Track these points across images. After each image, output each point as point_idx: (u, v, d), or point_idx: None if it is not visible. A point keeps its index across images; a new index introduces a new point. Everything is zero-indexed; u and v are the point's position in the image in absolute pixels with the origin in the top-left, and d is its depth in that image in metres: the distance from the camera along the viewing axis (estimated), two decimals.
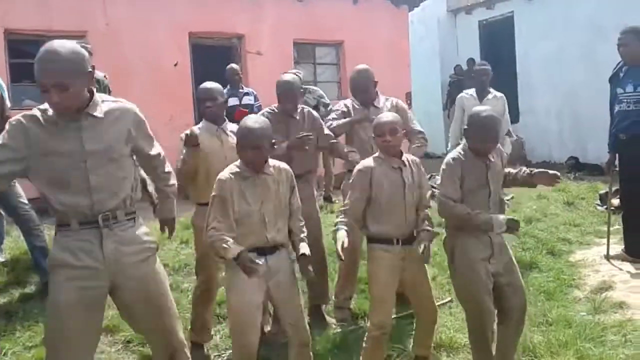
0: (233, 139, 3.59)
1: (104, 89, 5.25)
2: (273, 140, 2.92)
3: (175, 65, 8.85)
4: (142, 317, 2.58)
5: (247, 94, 7.40)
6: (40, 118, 2.36)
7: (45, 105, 2.38)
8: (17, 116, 2.40)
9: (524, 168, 3.33)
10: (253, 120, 2.91)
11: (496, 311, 3.14)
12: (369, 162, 3.21)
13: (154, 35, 8.58)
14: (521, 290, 3.19)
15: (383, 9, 10.65)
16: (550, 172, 3.16)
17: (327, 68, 10.68)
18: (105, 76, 5.49)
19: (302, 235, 3.02)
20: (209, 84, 3.79)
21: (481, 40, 12.85)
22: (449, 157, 3.10)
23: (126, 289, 2.51)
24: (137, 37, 8.47)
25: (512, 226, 2.97)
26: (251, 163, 2.84)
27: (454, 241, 3.15)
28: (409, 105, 10.58)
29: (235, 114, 6.11)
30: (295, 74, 7.44)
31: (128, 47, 8.34)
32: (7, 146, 2.33)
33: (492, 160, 3.10)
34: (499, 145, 3.21)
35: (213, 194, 2.84)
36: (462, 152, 3.08)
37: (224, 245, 2.72)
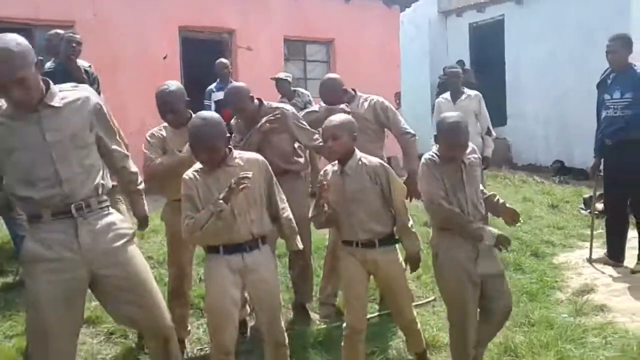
0: None
1: (93, 80, 5.21)
2: (227, 135, 2.82)
3: (165, 58, 8.78)
4: (127, 303, 2.53)
5: None
6: None
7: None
8: None
9: (498, 196, 3.30)
10: (201, 120, 2.81)
11: (479, 310, 3.16)
12: (328, 167, 3.20)
13: (143, 27, 8.51)
14: (507, 294, 3.21)
15: (375, 9, 10.66)
16: (516, 211, 3.20)
17: (318, 65, 10.66)
18: (90, 66, 5.45)
19: (292, 227, 2.99)
20: (166, 89, 3.53)
21: (471, 42, 12.91)
22: (425, 158, 3.09)
23: (107, 277, 2.47)
24: (126, 29, 8.39)
25: (501, 242, 2.98)
26: (206, 164, 2.80)
27: (438, 240, 3.15)
28: (398, 105, 10.59)
29: (224, 116, 6.08)
30: (285, 77, 7.43)
31: (116, 39, 8.26)
32: None
33: (466, 161, 3.06)
34: (474, 148, 3.19)
35: (182, 193, 2.82)
36: (437, 155, 3.06)
37: (203, 214, 2.68)
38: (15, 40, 2.24)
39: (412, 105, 12.38)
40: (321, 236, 5.54)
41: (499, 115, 9.60)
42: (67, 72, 4.66)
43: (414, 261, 3.20)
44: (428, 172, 3.05)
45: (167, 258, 3.82)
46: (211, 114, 2.99)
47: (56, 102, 2.38)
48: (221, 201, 2.63)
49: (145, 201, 3.04)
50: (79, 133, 2.42)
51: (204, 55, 9.01)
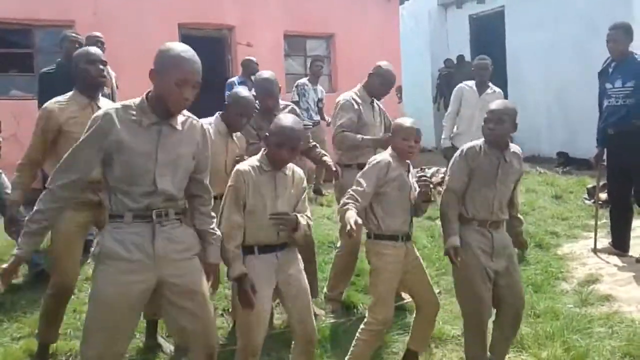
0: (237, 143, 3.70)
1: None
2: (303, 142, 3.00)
3: None
4: (187, 312, 2.55)
5: None
6: (124, 113, 2.42)
7: (127, 102, 2.47)
8: (104, 108, 2.49)
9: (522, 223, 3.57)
10: (294, 121, 2.91)
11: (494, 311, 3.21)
12: (385, 156, 3.20)
13: (143, 25, 8.51)
14: (520, 294, 3.22)
15: (374, 2, 10.64)
16: (526, 242, 3.42)
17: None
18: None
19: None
20: (249, 97, 3.73)
21: (471, 34, 12.88)
22: (468, 145, 3.21)
23: (173, 285, 2.51)
24: (125, 27, 8.39)
25: (448, 254, 3.08)
26: (281, 162, 2.86)
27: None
28: (399, 98, 10.58)
29: None
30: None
31: (116, 38, 8.22)
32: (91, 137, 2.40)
33: (507, 158, 3.15)
34: (519, 153, 3.29)
35: (230, 184, 2.84)
36: (480, 145, 3.17)
37: (230, 257, 2.76)
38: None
39: (413, 98, 12.37)
40: (324, 233, 5.56)
41: None
42: (66, 76, 4.62)
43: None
44: (459, 161, 3.18)
45: None
46: (298, 118, 3.11)
47: (178, 125, 2.50)
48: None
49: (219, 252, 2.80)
50: (184, 156, 2.52)
51: (204, 52, 8.99)
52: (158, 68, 2.44)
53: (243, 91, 3.83)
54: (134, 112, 2.43)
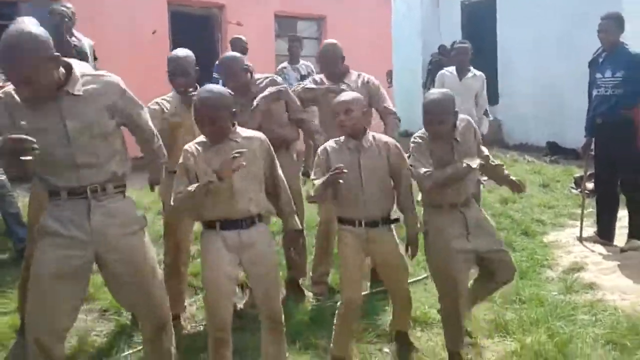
0: None
1: (82, 57, 5.13)
2: (234, 109, 2.80)
3: (154, 33, 8.66)
4: (128, 289, 2.57)
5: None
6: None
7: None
8: None
9: (504, 167, 3.45)
10: (208, 92, 2.79)
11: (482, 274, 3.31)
12: (329, 143, 3.18)
13: (132, 2, 8.38)
14: (509, 264, 3.25)
15: None
16: (521, 183, 3.39)
17: (308, 42, 10.54)
18: (88, 45, 5.39)
19: (292, 207, 3.01)
20: (181, 54, 3.63)
21: (463, 21, 12.84)
22: (415, 136, 3.15)
23: (112, 261, 2.50)
24: (114, 3, 8.25)
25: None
26: (209, 136, 2.78)
27: (428, 219, 3.20)
28: (390, 83, 10.56)
29: None
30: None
31: (105, 13, 8.13)
32: None
33: (459, 139, 3.11)
34: (470, 123, 3.23)
35: (179, 162, 2.80)
36: (426, 133, 3.13)
37: (189, 189, 2.67)
38: (27, 34, 2.22)
39: (404, 83, 12.36)
40: (312, 215, 5.55)
41: (490, 95, 9.54)
42: (58, 50, 4.54)
43: (414, 244, 3.21)
44: (417, 148, 3.11)
45: (163, 233, 3.81)
46: (218, 86, 2.99)
47: (77, 90, 2.39)
48: (214, 175, 2.61)
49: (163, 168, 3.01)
50: (99, 120, 2.43)
51: (193, 30, 8.90)
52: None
53: (176, 51, 3.73)
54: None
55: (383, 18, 10.84)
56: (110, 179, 2.49)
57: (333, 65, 4.27)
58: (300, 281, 4.29)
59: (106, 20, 8.11)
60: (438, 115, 3.04)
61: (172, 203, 2.78)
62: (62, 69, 2.38)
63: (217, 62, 7.34)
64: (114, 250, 2.49)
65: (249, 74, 3.93)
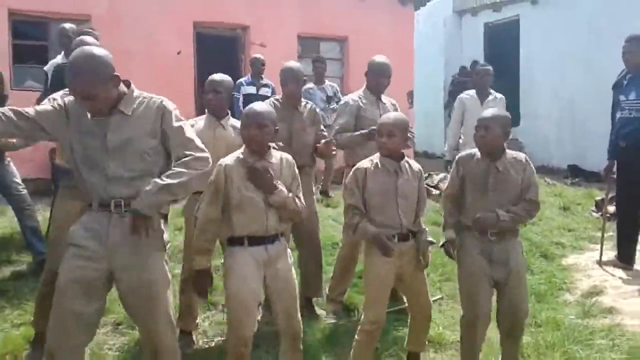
0: (230, 133, 3.63)
1: None
2: (276, 127, 2.95)
3: (179, 54, 8.82)
4: (132, 309, 2.60)
5: (265, 85, 7.48)
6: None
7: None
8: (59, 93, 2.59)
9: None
10: (259, 104, 3.02)
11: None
12: (364, 163, 3.20)
13: (158, 22, 8.55)
14: (517, 307, 3.17)
15: (389, 7, 10.61)
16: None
17: (331, 63, 10.59)
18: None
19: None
20: (217, 76, 3.79)
21: (486, 42, 12.84)
22: (461, 154, 3.33)
23: (121, 278, 2.51)
24: (140, 24, 8.44)
25: (446, 248, 3.27)
26: (254, 142, 2.86)
27: (461, 236, 3.26)
28: (410, 104, 10.56)
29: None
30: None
31: (130, 34, 8.31)
32: (47, 111, 2.52)
33: (499, 167, 3.13)
34: (522, 157, 3.23)
35: (210, 179, 2.82)
36: (473, 153, 3.23)
37: (197, 249, 2.86)
38: (91, 56, 2.43)
39: (425, 104, 12.35)
40: (329, 234, 5.56)
41: (512, 116, 9.51)
42: None
43: (426, 256, 3.22)
44: (454, 167, 3.31)
45: (184, 250, 3.82)
46: (267, 104, 3.19)
47: (128, 110, 2.51)
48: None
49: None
50: (139, 139, 2.51)
51: (217, 51, 9.04)
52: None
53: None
54: None
55: (405, 39, 10.86)
56: (134, 196, 2.47)
57: (387, 79, 4.42)
58: (314, 300, 4.28)
59: (131, 39, 8.28)
60: (486, 122, 3.13)
61: (196, 220, 2.86)
62: (123, 87, 2.55)
63: (237, 82, 7.46)
64: (127, 269, 2.50)
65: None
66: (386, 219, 3.10)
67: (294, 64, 4.25)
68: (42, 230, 4.62)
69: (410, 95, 10.63)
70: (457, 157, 3.34)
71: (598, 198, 7.40)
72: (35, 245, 4.59)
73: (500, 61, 12.02)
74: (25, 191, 4.64)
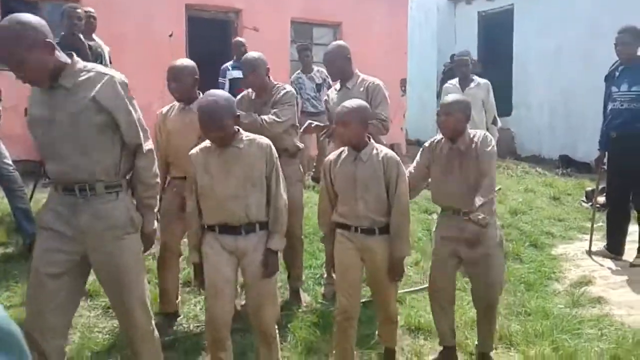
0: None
1: (97, 57, 5.19)
2: (237, 114, 2.82)
3: (170, 36, 8.72)
4: (107, 292, 2.63)
5: None
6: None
7: None
8: None
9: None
10: (212, 98, 2.76)
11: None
12: (333, 154, 3.19)
13: (150, 5, 8.45)
14: (487, 286, 3.24)
15: None
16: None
17: (324, 49, 10.57)
18: (97, 47, 5.46)
19: (277, 222, 2.89)
20: (177, 63, 3.67)
21: (479, 31, 12.80)
22: (426, 142, 3.42)
23: (94, 262, 2.51)
24: (132, 6, 8.33)
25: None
26: (216, 141, 2.80)
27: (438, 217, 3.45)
28: (403, 91, 10.54)
29: (237, 91, 6.11)
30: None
31: (122, 16, 8.20)
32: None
33: (462, 147, 3.18)
34: (479, 135, 3.21)
35: (187, 170, 2.88)
36: (438, 138, 3.32)
37: (193, 244, 2.89)
38: (16, 20, 2.25)
39: (418, 92, 12.34)
40: (317, 219, 5.55)
41: (504, 105, 9.47)
42: (71, 49, 4.54)
43: (395, 267, 3.05)
44: (421, 151, 3.39)
45: (160, 222, 3.79)
46: (221, 92, 2.94)
47: (68, 83, 2.38)
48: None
49: (154, 217, 2.73)
50: (84, 113, 2.38)
51: (209, 34, 8.95)
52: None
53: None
54: None
55: (399, 26, 10.82)
56: (100, 179, 2.44)
57: (331, 65, 4.26)
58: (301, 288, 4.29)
59: (123, 24, 8.18)
60: (446, 107, 3.21)
61: (187, 215, 2.89)
62: (65, 61, 2.40)
63: (222, 67, 7.38)
64: (98, 252, 2.48)
65: (268, 76, 4.01)
66: (349, 210, 3.05)
67: (251, 54, 4.10)
68: (32, 212, 4.58)
69: (403, 83, 10.61)
70: (424, 145, 3.40)
71: (588, 188, 7.44)
72: (25, 227, 4.54)
73: (493, 50, 12.05)
74: (16, 172, 4.59)
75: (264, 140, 2.90)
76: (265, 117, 3.79)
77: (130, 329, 2.62)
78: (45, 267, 2.42)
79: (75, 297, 2.60)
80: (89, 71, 2.44)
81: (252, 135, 2.89)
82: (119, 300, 2.58)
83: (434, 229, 3.44)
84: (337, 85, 4.36)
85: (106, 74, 2.46)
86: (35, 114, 2.41)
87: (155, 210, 2.72)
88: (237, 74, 7.04)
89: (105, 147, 2.45)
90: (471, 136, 3.20)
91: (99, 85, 2.41)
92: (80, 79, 2.40)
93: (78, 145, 2.39)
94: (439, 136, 3.34)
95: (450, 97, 3.31)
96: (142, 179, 2.59)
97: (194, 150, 2.86)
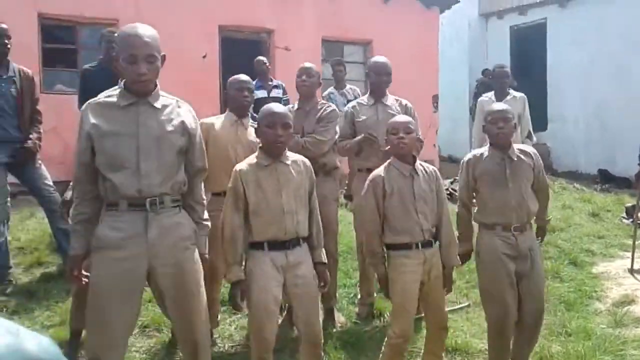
0: (251, 133, 3.63)
1: None
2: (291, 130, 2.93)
3: (204, 57, 8.89)
4: (170, 304, 2.60)
5: (276, 86, 7.37)
6: (103, 102, 2.52)
7: (108, 92, 2.55)
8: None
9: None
10: (276, 105, 3.00)
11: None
12: (379, 171, 3.15)
13: (184, 26, 8.62)
14: (539, 298, 3.18)
15: (413, 10, 10.57)
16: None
17: (355, 67, 10.60)
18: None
19: (318, 242, 2.98)
20: (245, 77, 3.85)
21: (512, 46, 12.70)
22: (466, 157, 3.34)
23: (160, 274, 2.53)
24: (166, 27, 8.43)
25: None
26: (274, 143, 2.82)
27: (480, 238, 3.23)
28: (435, 108, 10.49)
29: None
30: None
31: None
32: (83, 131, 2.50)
33: (513, 157, 3.15)
34: (527, 147, 3.29)
35: (229, 185, 2.84)
36: (481, 152, 3.26)
37: (230, 261, 2.80)
38: (150, 28, 2.54)
39: (450, 108, 12.25)
40: (350, 238, 5.53)
41: (539, 120, 9.35)
42: (108, 74, 4.51)
43: (450, 275, 3.18)
44: (463, 171, 3.28)
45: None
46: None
47: (157, 103, 2.53)
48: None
49: (206, 242, 2.81)
50: (173, 135, 2.53)
51: (242, 54, 9.08)
52: (117, 53, 2.53)
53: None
54: (115, 95, 2.53)
55: (430, 42, 10.80)
56: (169, 192, 2.53)
57: (381, 74, 4.26)
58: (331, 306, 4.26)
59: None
60: (503, 113, 3.13)
61: (223, 231, 2.83)
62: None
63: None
64: (166, 264, 2.52)
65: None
66: (409, 226, 3.04)
67: (308, 64, 4.26)
68: None
69: (435, 99, 10.56)
70: (463, 161, 3.32)
71: (629, 204, 7.25)
72: (66, 247, 4.62)
73: (527, 65, 11.92)
74: (56, 193, 4.69)
75: (306, 160, 3.01)
76: (306, 139, 3.91)
77: (192, 342, 2.63)
78: (112, 288, 2.45)
79: (137, 315, 2.65)
80: (166, 96, 2.62)
81: (293, 155, 2.98)
82: (182, 311, 2.60)
83: (479, 249, 3.25)
84: (363, 100, 4.37)
85: (183, 102, 2.67)
86: (105, 126, 2.46)
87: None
88: (262, 93, 7.07)
89: (178, 167, 2.59)
90: (518, 148, 3.25)
91: (184, 111, 2.61)
92: (165, 101, 2.57)
93: (159, 163, 2.49)
94: (481, 150, 3.28)
95: (500, 105, 3.27)
96: (200, 200, 2.76)
97: (241, 166, 2.87)
